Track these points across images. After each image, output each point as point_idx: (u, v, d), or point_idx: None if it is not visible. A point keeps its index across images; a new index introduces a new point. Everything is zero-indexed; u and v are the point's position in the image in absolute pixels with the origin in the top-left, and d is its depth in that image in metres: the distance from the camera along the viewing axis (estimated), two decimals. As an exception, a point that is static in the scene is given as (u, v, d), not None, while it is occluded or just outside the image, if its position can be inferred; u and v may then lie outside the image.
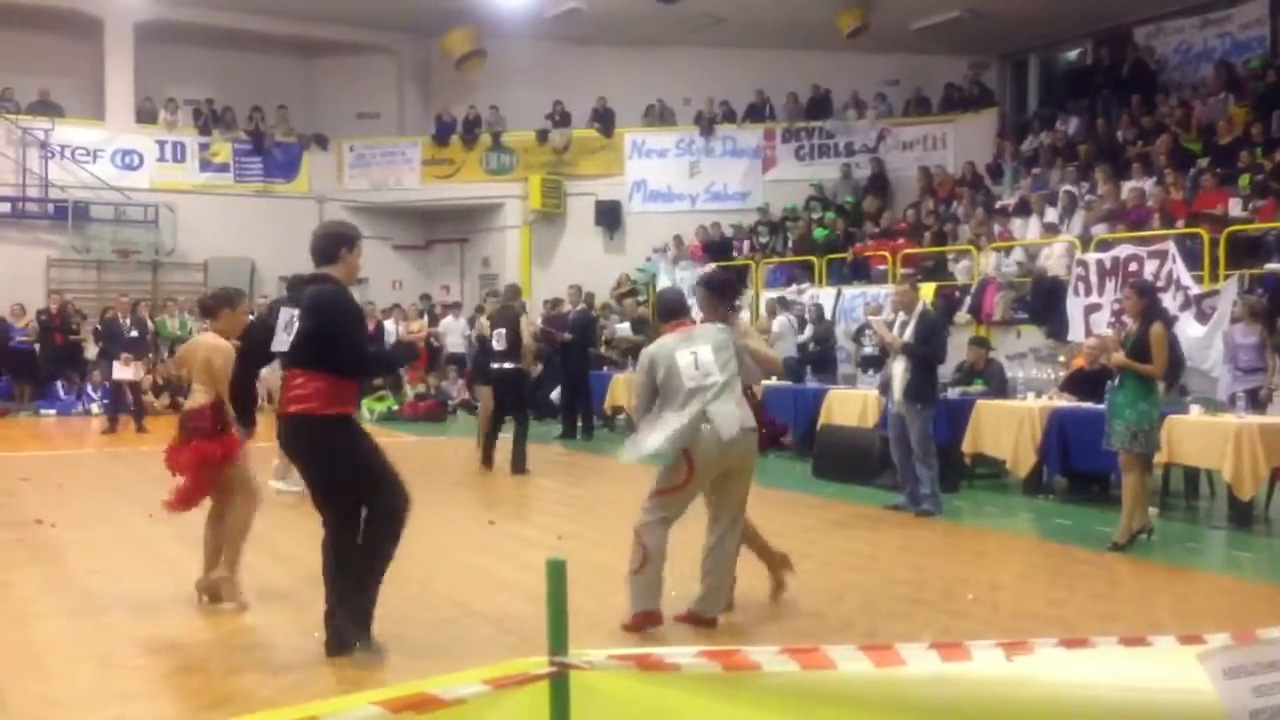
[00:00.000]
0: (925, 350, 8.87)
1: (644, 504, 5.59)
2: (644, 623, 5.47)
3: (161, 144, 20.99)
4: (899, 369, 8.87)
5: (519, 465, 11.37)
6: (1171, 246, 12.04)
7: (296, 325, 4.96)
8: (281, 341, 5.04)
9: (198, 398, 5.93)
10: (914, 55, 20.57)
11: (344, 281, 5.18)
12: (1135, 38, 18.47)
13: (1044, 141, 17.88)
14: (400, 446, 14.11)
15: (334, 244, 5.17)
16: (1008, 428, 9.95)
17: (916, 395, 8.81)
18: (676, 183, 21.23)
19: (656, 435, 5.43)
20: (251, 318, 6.65)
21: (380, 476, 5.10)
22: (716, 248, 19.38)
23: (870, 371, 13.25)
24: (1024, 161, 17.98)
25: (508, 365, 11.61)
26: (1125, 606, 6.23)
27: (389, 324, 18.97)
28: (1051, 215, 15.10)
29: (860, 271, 16.60)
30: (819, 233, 18.48)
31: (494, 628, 5.63)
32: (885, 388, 9.24)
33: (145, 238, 20.22)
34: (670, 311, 5.94)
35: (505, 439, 11.55)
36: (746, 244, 19.47)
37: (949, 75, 20.68)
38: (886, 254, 16.41)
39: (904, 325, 8.96)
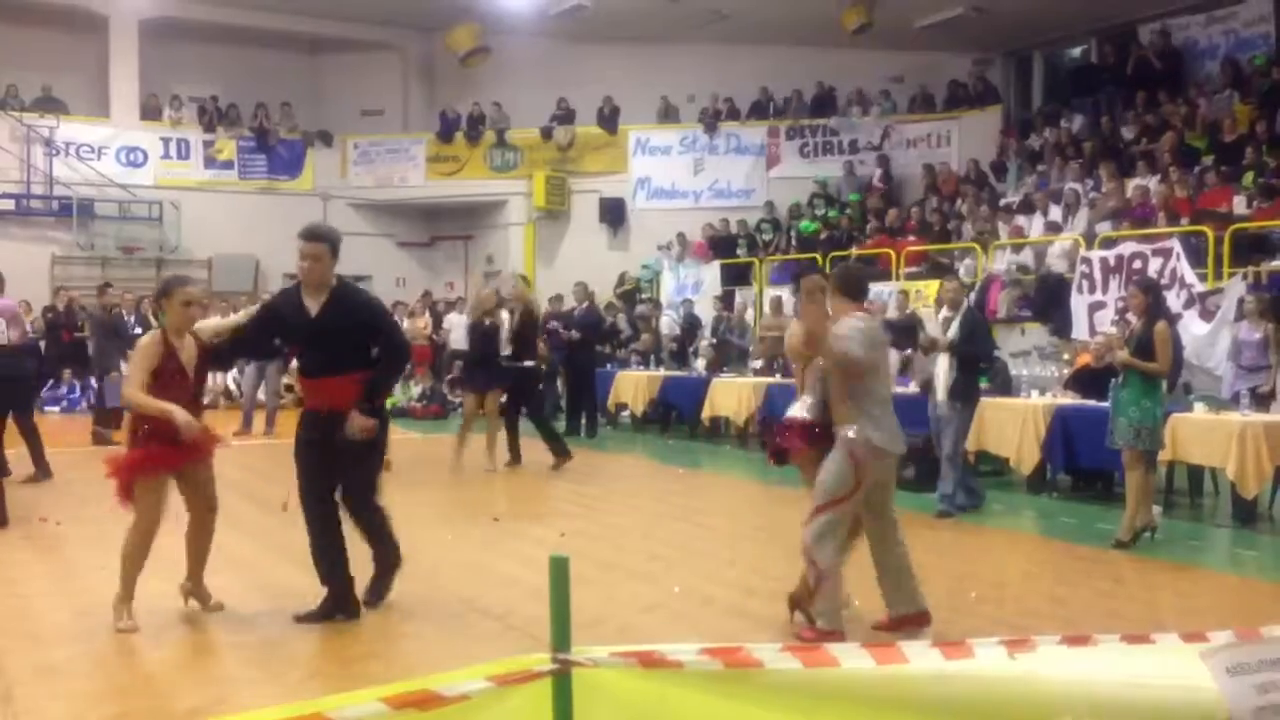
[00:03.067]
0: (972, 349, 8.76)
1: (810, 520, 5.34)
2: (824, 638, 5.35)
3: (166, 141, 21.00)
4: (943, 368, 8.73)
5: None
6: (1176, 244, 12.02)
7: None
8: None
9: None
10: (918, 52, 20.54)
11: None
12: (1140, 35, 18.44)
13: (1048, 139, 17.86)
14: (408, 443, 14.13)
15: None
16: (1012, 425, 9.94)
17: (961, 394, 8.72)
18: (680, 180, 21.21)
19: (883, 431, 5.30)
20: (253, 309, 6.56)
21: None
22: (723, 245, 19.37)
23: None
24: (1028, 159, 17.96)
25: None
26: (1129, 604, 6.22)
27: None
28: (1056, 213, 15.08)
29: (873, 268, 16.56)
30: (805, 225, 18.48)
31: (497, 624, 5.63)
32: (928, 386, 9.09)
33: (150, 235, 20.25)
34: (861, 291, 5.61)
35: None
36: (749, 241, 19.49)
37: (953, 72, 20.65)
38: (890, 252, 16.39)
39: (948, 322, 8.83)
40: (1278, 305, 10.93)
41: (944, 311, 9.04)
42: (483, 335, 11.50)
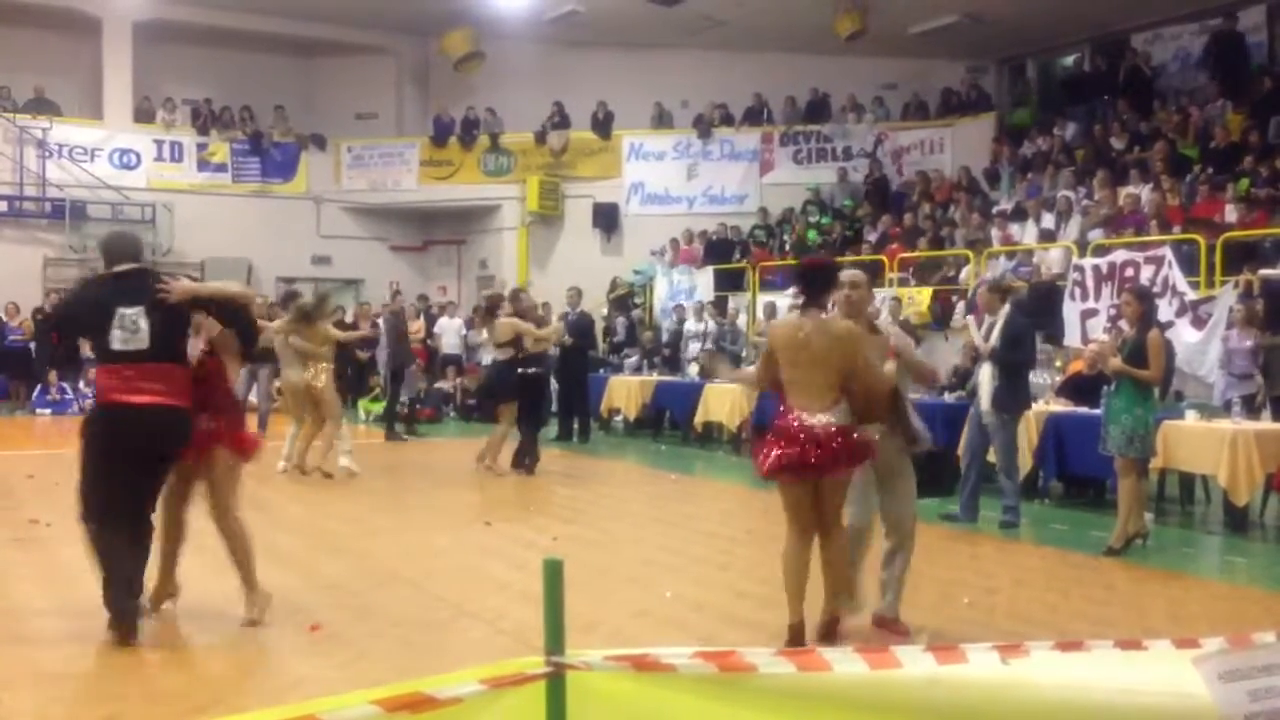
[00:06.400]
0: (1014, 356, 8.58)
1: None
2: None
3: (159, 143, 20.96)
4: (986, 375, 8.58)
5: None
6: (1168, 252, 12.06)
7: (144, 320, 5.12)
8: (122, 340, 5.12)
9: None
10: (912, 60, 20.60)
11: None
12: (1133, 43, 18.51)
13: (1041, 147, 17.91)
14: (397, 447, 14.12)
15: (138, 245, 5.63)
16: (1004, 432, 9.95)
17: (1004, 404, 8.54)
18: (674, 185, 21.23)
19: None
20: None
21: None
22: (720, 250, 19.36)
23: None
24: (1020, 166, 18.00)
25: None
26: (1120, 610, 6.23)
27: (383, 324, 18.96)
28: (1048, 220, 15.12)
29: (870, 276, 16.57)
30: (811, 235, 18.50)
31: (490, 628, 5.63)
32: (974, 393, 9.00)
33: (142, 237, 20.15)
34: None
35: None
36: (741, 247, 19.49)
37: (947, 80, 20.71)
38: (884, 259, 16.43)
39: (991, 329, 8.68)
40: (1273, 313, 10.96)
41: (987, 318, 8.87)
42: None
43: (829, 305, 5.26)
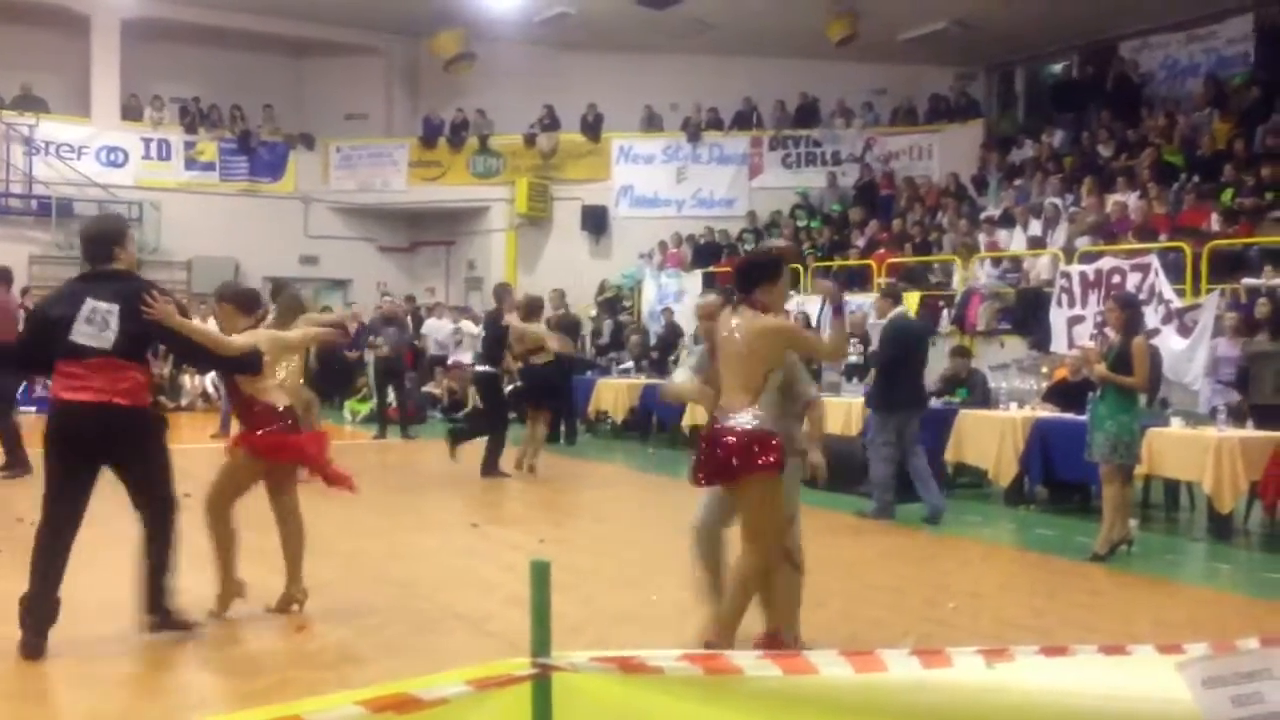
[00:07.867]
0: (881, 356, 9.23)
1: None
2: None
3: (147, 141, 20.89)
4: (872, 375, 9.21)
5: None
6: (1154, 259, 12.11)
7: (116, 320, 5.01)
8: (89, 335, 5.01)
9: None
10: (901, 65, 20.66)
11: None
12: (1121, 51, 18.61)
13: (1029, 153, 17.98)
14: (384, 448, 14.09)
15: (110, 240, 5.35)
16: (990, 437, 9.99)
17: (872, 401, 9.22)
18: (663, 189, 21.24)
19: None
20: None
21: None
22: (706, 253, 19.38)
23: (854, 380, 13.29)
24: (1008, 173, 18.06)
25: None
26: (1105, 616, 6.25)
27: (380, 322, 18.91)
28: (1035, 227, 15.17)
29: (858, 280, 16.60)
30: (807, 252, 18.49)
31: (476, 630, 5.62)
32: None
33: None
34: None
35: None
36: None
37: (935, 86, 20.78)
38: (872, 263, 16.45)
39: None
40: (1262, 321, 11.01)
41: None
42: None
43: (765, 304, 4.79)
